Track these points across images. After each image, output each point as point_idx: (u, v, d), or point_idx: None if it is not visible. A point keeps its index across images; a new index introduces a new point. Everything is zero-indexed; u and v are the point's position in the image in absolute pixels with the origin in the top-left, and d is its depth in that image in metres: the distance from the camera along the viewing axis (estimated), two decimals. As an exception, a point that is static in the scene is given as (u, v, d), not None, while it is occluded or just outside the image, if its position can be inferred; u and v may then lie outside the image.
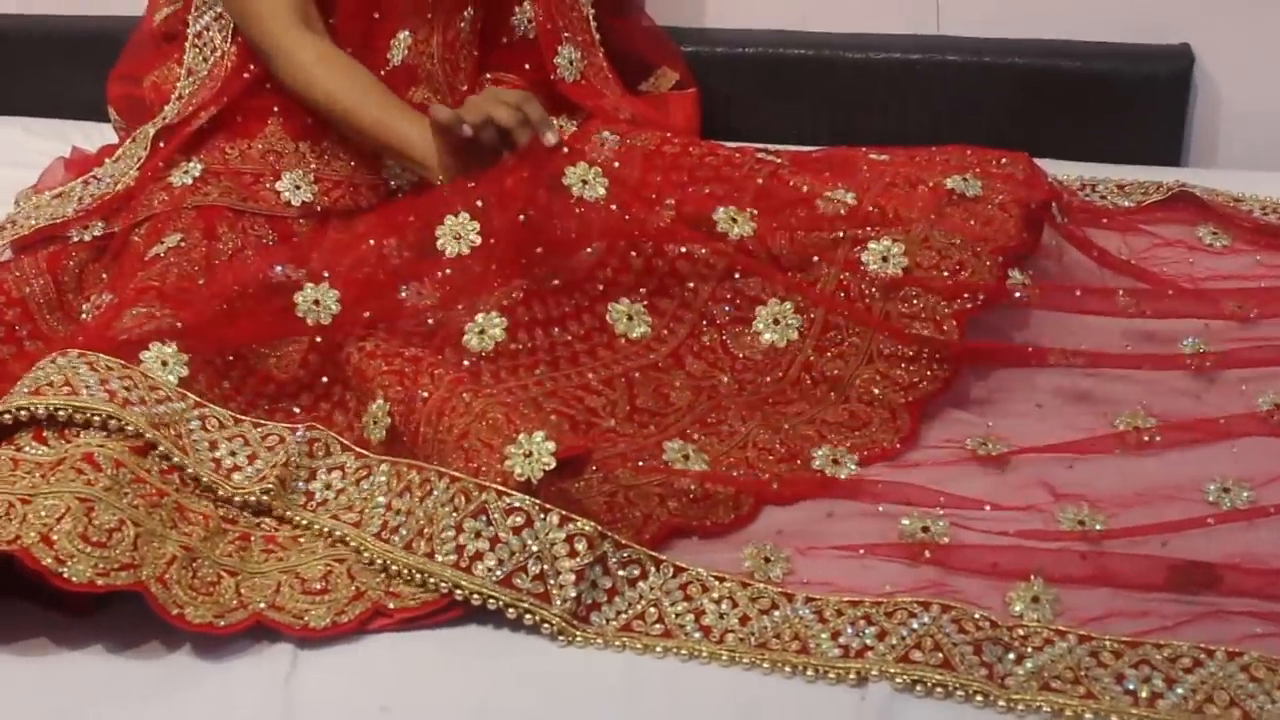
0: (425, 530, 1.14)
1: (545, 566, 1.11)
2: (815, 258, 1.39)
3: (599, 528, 1.13)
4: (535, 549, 1.11)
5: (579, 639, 1.11)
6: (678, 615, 1.12)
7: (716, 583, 1.14)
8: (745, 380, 1.37)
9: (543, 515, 1.12)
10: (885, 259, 1.37)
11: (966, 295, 1.34)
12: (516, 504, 1.12)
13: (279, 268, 1.34)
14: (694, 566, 1.15)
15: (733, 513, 1.23)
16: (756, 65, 1.84)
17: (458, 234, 1.36)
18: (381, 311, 1.32)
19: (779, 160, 1.48)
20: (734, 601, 1.13)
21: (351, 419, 1.30)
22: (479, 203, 1.37)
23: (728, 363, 1.38)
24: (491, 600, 1.11)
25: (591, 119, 1.58)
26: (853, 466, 1.28)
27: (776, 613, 1.11)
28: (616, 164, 1.42)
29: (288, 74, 1.45)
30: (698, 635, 1.11)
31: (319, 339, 1.32)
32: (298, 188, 1.49)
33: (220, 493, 1.19)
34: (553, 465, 1.14)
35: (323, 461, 1.22)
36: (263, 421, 1.25)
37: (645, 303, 1.38)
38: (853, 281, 1.37)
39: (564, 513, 1.12)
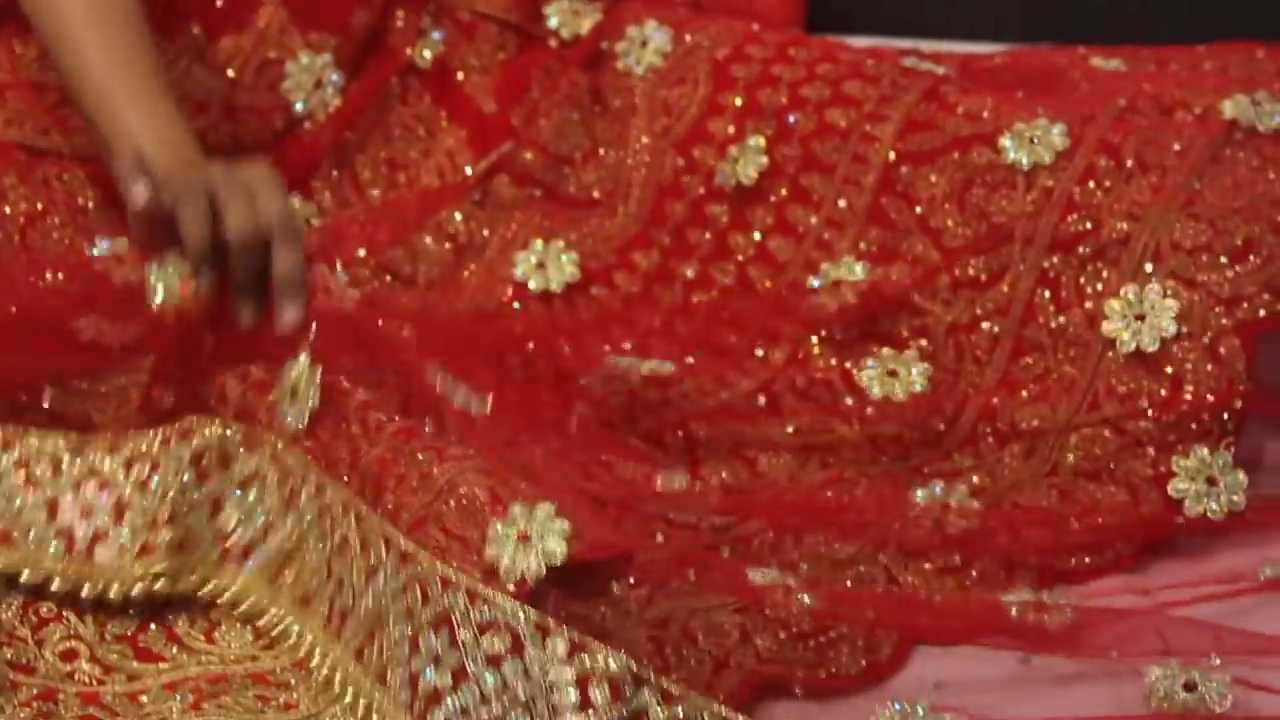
0: (375, 632, 1.16)
1: None
2: (1002, 243, 1.40)
3: (633, 664, 1.10)
4: (524, 694, 1.09)
5: None
6: None
7: None
8: (880, 433, 1.39)
9: (539, 639, 1.10)
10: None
11: (1258, 296, 1.34)
12: (498, 615, 1.10)
13: (105, 244, 1.34)
14: None
15: (864, 658, 1.24)
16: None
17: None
18: None
19: (939, 70, 1.49)
20: None
21: None
22: None
23: (854, 402, 1.40)
24: None
25: (626, 0, 1.59)
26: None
27: None
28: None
29: None
30: None
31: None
32: (137, 112, 1.50)
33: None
34: (560, 556, 1.12)
35: (226, 475, 1.25)
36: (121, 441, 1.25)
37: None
38: (1064, 272, 1.38)
39: (575, 636, 1.10)
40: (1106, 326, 1.34)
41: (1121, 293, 1.35)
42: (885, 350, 1.40)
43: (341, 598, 1.19)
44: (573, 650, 1.09)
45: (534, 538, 1.12)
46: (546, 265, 1.45)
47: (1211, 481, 1.32)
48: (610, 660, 1.09)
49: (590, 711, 1.08)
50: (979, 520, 1.33)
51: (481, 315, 1.44)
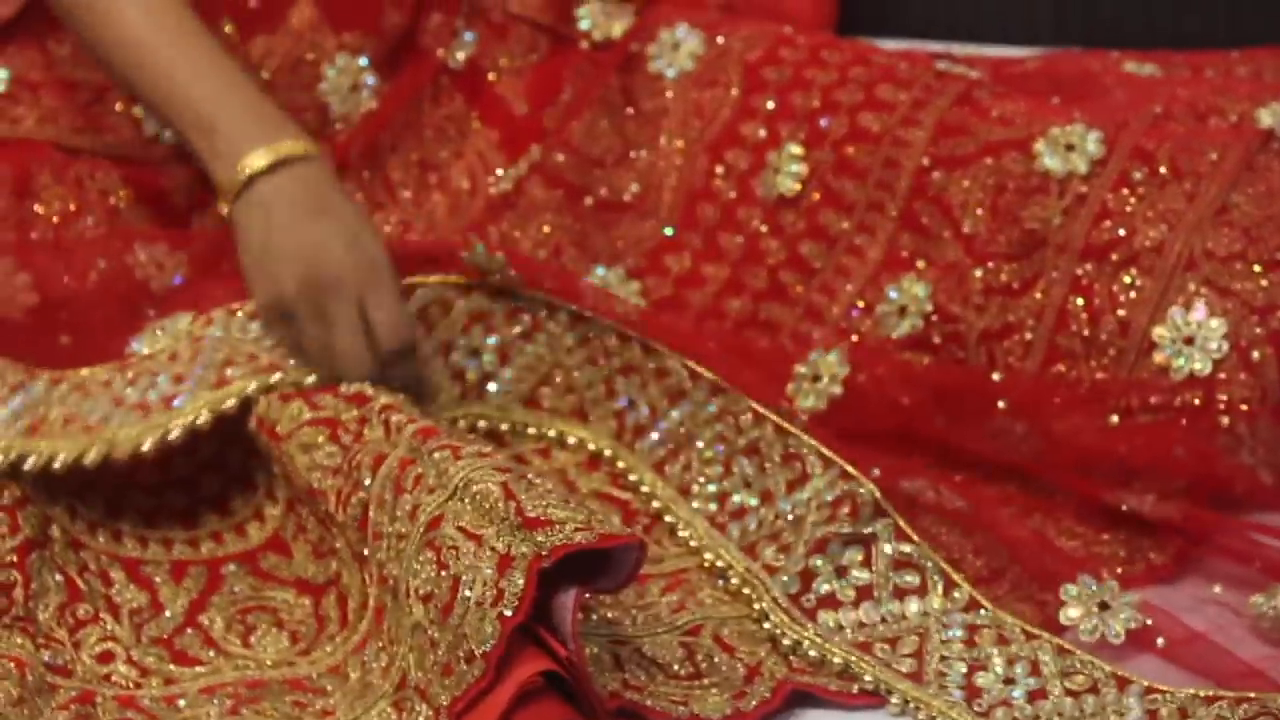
0: (681, 451, 1.37)
1: None
2: (1035, 250, 1.40)
3: (878, 493, 1.27)
4: (803, 516, 1.29)
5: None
6: (930, 659, 1.22)
7: (1023, 639, 1.23)
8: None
9: (820, 466, 1.30)
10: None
11: (1292, 303, 1.35)
12: (797, 447, 1.31)
13: (143, 253, 1.36)
14: (996, 611, 1.25)
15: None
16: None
17: None
18: None
19: (972, 74, 1.49)
20: (1035, 666, 1.21)
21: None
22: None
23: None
24: None
25: (658, 3, 1.58)
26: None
27: (1092, 700, 1.19)
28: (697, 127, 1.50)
29: None
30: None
31: None
32: (170, 110, 1.49)
33: None
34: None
35: None
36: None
37: None
38: (1097, 279, 1.38)
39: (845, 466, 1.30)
40: (1157, 357, 1.34)
41: (1168, 318, 1.35)
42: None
43: (636, 414, 1.37)
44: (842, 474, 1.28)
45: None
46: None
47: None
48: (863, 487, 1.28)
49: (835, 524, 1.27)
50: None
51: None
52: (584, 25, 1.54)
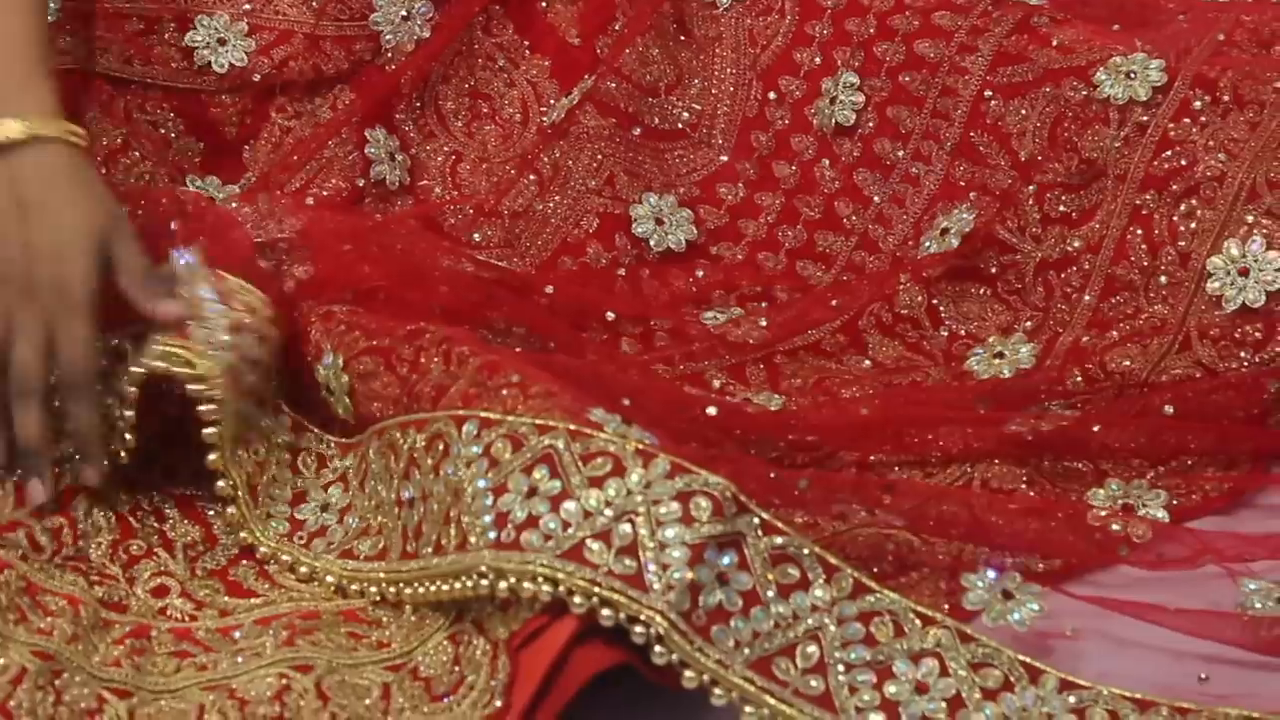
0: (452, 512, 1.15)
1: (641, 531, 1.10)
2: (1095, 179, 1.40)
3: (734, 489, 1.12)
4: (626, 505, 1.10)
5: (700, 664, 1.09)
6: (834, 672, 1.11)
7: (919, 625, 1.14)
8: (968, 374, 1.40)
9: (640, 464, 1.11)
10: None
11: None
12: (601, 445, 1.12)
13: (192, 189, 1.37)
14: (885, 591, 1.15)
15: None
16: None
17: None
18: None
19: (1031, 0, 1.48)
20: (942, 663, 1.12)
21: None
22: None
23: (941, 349, 1.42)
24: (544, 582, 1.09)
25: None
26: (1160, 513, 1.28)
27: (1011, 698, 1.11)
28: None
29: None
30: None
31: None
32: (222, 42, 1.48)
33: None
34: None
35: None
36: None
37: None
38: (1157, 209, 1.38)
39: (678, 460, 1.12)
40: (1211, 285, 1.34)
41: (1224, 248, 1.34)
42: (991, 338, 1.40)
43: (410, 518, 1.20)
44: (675, 469, 1.12)
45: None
46: (665, 222, 1.47)
47: None
48: (713, 480, 1.11)
49: (692, 525, 1.10)
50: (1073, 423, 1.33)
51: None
52: None
